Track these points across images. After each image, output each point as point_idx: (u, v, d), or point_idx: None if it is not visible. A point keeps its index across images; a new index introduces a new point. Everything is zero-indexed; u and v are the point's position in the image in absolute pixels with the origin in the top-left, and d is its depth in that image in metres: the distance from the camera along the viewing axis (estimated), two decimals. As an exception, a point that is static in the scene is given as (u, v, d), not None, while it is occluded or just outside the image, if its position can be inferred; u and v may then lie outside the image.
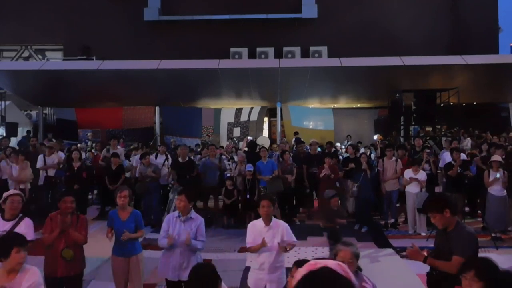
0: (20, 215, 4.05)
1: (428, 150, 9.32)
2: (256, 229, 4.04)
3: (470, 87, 13.47)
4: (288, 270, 4.74)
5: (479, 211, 8.51)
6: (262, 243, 3.88)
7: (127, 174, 9.36)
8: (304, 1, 18.84)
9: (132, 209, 4.56)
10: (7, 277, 2.94)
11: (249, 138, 14.21)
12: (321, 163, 8.56)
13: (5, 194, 4.07)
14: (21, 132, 15.02)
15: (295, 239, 4.04)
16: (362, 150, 11.01)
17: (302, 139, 13.00)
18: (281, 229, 4.01)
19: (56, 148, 9.55)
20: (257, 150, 9.69)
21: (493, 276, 2.31)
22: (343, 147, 12.64)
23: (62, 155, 9.75)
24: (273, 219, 4.08)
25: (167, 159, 9.32)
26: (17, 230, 3.87)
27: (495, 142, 10.08)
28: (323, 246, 6.66)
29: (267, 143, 13.54)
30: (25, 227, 3.96)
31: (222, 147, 11.85)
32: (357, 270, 2.91)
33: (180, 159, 8.56)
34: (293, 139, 13.91)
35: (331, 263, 1.38)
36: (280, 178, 8.46)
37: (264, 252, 3.96)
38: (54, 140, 12.53)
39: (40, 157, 8.88)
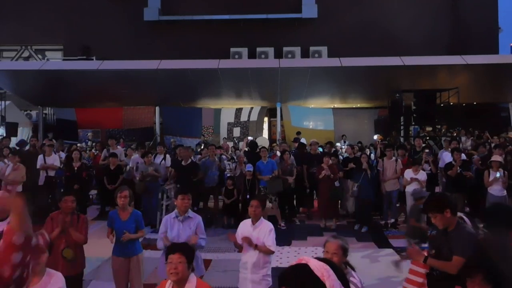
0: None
1: (427, 150, 9.32)
2: (244, 227, 4.11)
3: (470, 87, 13.48)
4: (277, 270, 4.74)
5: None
6: (245, 239, 3.94)
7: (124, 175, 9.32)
8: (304, 1, 18.84)
9: (133, 209, 4.56)
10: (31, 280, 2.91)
11: (249, 138, 14.21)
12: (321, 163, 8.56)
13: None
14: (21, 132, 15.02)
15: (271, 245, 3.95)
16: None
17: (302, 140, 13.00)
18: (266, 230, 4.00)
19: (58, 148, 9.53)
20: (257, 150, 9.68)
21: (501, 278, 2.30)
22: (343, 147, 12.64)
23: (62, 155, 9.74)
24: (262, 219, 4.10)
25: (164, 158, 9.30)
26: None
27: (484, 142, 10.08)
28: (323, 246, 6.64)
29: (266, 144, 13.53)
30: None
31: (220, 147, 11.85)
32: (346, 266, 2.93)
33: (182, 162, 8.51)
34: (294, 138, 13.93)
35: (314, 263, 1.43)
36: (280, 178, 8.45)
37: (248, 251, 3.99)
38: (54, 140, 12.54)
39: (40, 157, 8.83)
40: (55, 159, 8.91)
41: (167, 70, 13.82)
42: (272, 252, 3.99)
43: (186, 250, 2.70)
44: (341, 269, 2.29)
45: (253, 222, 4.07)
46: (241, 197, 8.50)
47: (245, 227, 4.11)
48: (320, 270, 1.40)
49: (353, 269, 2.98)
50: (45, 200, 8.75)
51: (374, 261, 6.32)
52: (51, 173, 8.80)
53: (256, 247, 3.91)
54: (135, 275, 4.40)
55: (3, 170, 8.08)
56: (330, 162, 8.58)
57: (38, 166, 8.76)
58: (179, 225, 4.16)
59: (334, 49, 17.46)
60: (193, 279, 2.71)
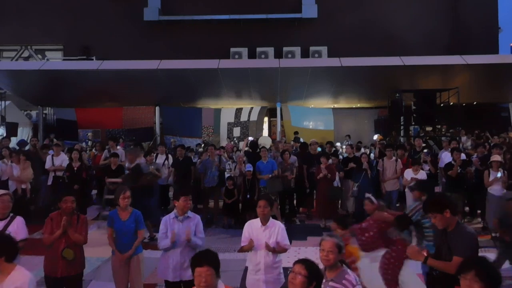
0: (11, 214, 4.05)
1: (425, 151, 9.32)
2: (252, 228, 4.06)
3: (470, 87, 13.47)
4: (287, 270, 4.76)
5: (479, 211, 8.51)
6: (250, 244, 3.94)
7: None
8: (304, 1, 18.84)
9: (132, 209, 4.54)
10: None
11: (250, 139, 14.22)
12: (321, 163, 8.56)
13: None
14: (21, 132, 15.01)
15: (288, 243, 4.00)
16: (362, 150, 11.01)
17: (301, 139, 13.01)
18: (277, 230, 3.99)
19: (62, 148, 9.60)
20: (258, 150, 9.68)
21: (494, 277, 2.30)
22: (343, 147, 12.64)
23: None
24: (271, 219, 4.07)
25: (167, 158, 9.32)
26: (9, 229, 3.89)
27: (483, 142, 10.09)
28: (319, 244, 6.64)
29: (268, 143, 13.54)
30: (17, 226, 3.96)
31: (222, 147, 11.83)
32: (342, 264, 2.97)
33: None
34: (294, 138, 13.93)
35: None
36: (280, 178, 8.45)
37: (260, 252, 3.96)
38: (55, 140, 12.56)
39: (49, 157, 8.92)
40: (63, 159, 8.96)
41: (167, 70, 13.82)
42: (286, 250, 4.01)
43: (213, 261, 2.66)
44: None
45: (263, 223, 4.02)
46: (241, 197, 8.50)
47: (254, 229, 4.04)
48: None
49: (349, 267, 3.00)
50: (52, 199, 8.77)
51: (374, 260, 6.31)
52: (59, 173, 8.87)
53: (274, 250, 3.91)
54: (135, 275, 4.40)
55: (9, 170, 8.14)
56: (330, 161, 8.58)
57: (46, 167, 8.83)
58: (178, 225, 4.15)
59: (334, 49, 17.48)
60: (221, 287, 2.70)
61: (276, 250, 3.93)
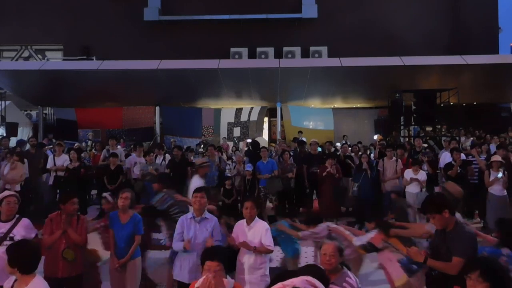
0: (17, 216, 3.98)
1: (423, 151, 9.32)
2: (239, 228, 4.08)
3: (470, 87, 13.47)
4: (278, 270, 4.69)
5: (476, 212, 8.52)
6: (242, 244, 3.95)
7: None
8: (304, 1, 18.84)
9: (133, 213, 4.44)
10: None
11: (248, 141, 14.22)
12: (321, 163, 8.54)
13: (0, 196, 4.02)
14: (21, 132, 15.01)
15: (271, 244, 3.93)
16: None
17: (301, 139, 13.00)
18: (261, 230, 3.96)
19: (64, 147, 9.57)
20: (258, 150, 9.67)
21: (499, 277, 2.29)
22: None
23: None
24: (256, 219, 4.05)
25: (164, 159, 9.33)
26: (14, 231, 3.84)
27: (483, 143, 10.11)
28: (318, 248, 6.63)
29: (264, 145, 13.54)
30: (23, 228, 3.91)
31: (219, 147, 11.82)
32: (342, 266, 2.96)
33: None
34: (293, 138, 13.92)
35: (298, 282, 1.39)
36: (280, 178, 8.44)
37: (243, 253, 3.96)
38: (54, 140, 12.54)
39: (50, 157, 8.90)
40: (65, 160, 8.91)
41: (167, 70, 13.82)
42: (271, 251, 3.96)
43: (223, 257, 2.68)
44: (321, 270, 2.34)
45: (248, 223, 4.03)
46: (241, 197, 8.48)
47: (240, 228, 4.07)
48: (308, 284, 1.37)
49: (349, 269, 2.99)
50: (52, 199, 8.74)
51: (374, 261, 6.31)
52: (61, 173, 8.81)
53: (255, 249, 3.88)
54: (131, 280, 4.33)
55: (2, 170, 8.05)
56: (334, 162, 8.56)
57: (48, 166, 8.80)
58: (195, 226, 4.06)
59: (334, 49, 17.47)
60: (230, 283, 2.66)
61: (257, 250, 3.88)
